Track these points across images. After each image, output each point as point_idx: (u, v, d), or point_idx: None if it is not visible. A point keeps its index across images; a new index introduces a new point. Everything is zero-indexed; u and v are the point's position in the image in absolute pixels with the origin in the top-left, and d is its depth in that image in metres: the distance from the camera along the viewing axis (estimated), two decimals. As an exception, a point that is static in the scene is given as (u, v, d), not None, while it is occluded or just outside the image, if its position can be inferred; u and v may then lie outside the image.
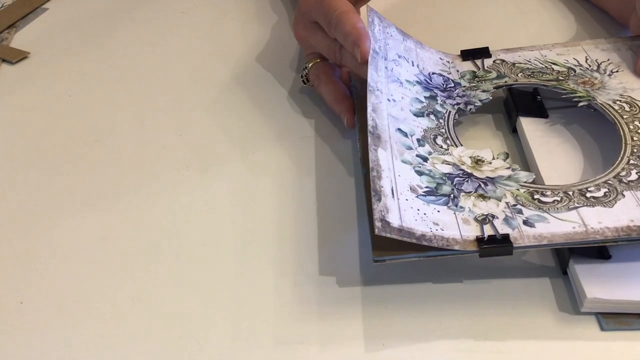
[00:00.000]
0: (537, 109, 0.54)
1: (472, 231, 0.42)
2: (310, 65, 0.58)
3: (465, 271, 0.45)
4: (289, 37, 0.67)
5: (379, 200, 0.42)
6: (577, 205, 0.43)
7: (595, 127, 0.53)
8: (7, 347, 0.42)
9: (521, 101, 0.55)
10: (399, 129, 0.49)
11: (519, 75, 0.55)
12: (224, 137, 0.56)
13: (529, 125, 0.53)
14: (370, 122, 0.48)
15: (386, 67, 0.53)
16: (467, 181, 0.46)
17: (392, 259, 0.42)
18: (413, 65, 0.55)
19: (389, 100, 0.51)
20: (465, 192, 0.45)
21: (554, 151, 0.51)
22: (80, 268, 0.46)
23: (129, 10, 0.73)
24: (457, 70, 0.57)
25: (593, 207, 0.43)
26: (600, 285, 0.41)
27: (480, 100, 0.54)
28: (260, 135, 0.56)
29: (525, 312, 0.42)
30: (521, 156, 0.53)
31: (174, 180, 0.53)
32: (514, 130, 0.55)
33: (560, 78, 0.54)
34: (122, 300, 0.44)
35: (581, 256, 0.43)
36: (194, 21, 0.71)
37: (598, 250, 0.43)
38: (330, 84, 0.56)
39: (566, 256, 0.44)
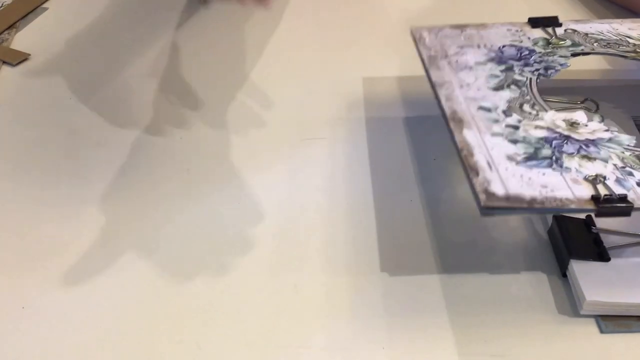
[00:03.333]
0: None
1: (584, 190, 0.41)
2: None
3: (464, 273, 0.45)
4: (290, 37, 0.67)
5: (477, 174, 0.41)
6: None
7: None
8: (9, 351, 0.42)
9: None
10: (481, 107, 0.48)
11: (595, 44, 0.54)
12: (225, 139, 0.56)
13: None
14: (447, 110, 0.47)
15: (449, 63, 0.52)
16: (567, 143, 0.44)
17: (502, 211, 0.40)
18: (479, 47, 0.54)
19: (461, 86, 0.50)
20: (567, 153, 0.44)
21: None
22: (81, 271, 0.46)
23: (128, 9, 0.73)
24: (529, 38, 0.55)
25: None
26: (600, 287, 0.42)
27: (560, 65, 0.52)
28: (263, 137, 0.56)
29: (525, 314, 0.43)
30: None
31: (175, 182, 0.53)
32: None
33: (638, 50, 0.53)
34: (122, 303, 0.44)
35: (581, 259, 0.43)
36: (194, 21, 0.71)
37: (598, 253, 0.44)
38: None
39: (565, 258, 0.44)
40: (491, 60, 0.53)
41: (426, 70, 0.51)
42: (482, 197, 0.40)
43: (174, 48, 0.67)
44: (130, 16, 0.72)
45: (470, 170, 0.42)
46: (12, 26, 0.70)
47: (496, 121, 0.46)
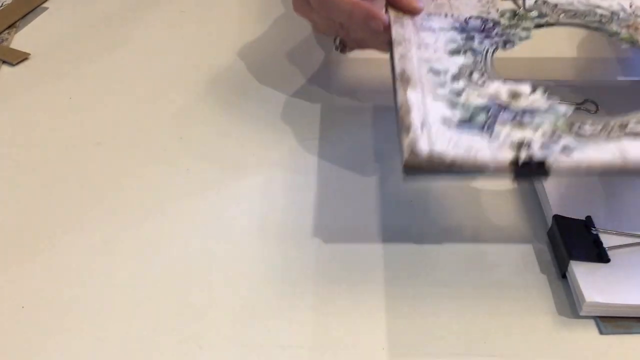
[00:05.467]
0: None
1: (506, 154, 0.41)
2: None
3: (463, 275, 0.45)
4: (291, 36, 0.67)
5: (408, 133, 0.42)
6: (617, 137, 0.43)
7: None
8: (8, 351, 0.42)
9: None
10: (431, 69, 0.48)
11: (561, 16, 0.55)
12: (225, 140, 0.56)
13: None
14: (397, 69, 0.47)
15: (413, 24, 0.52)
16: (504, 112, 0.45)
17: (424, 175, 0.41)
18: (446, 17, 0.55)
19: (419, 47, 0.50)
20: (501, 121, 0.44)
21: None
22: (81, 272, 0.47)
23: (129, 9, 0.73)
24: (497, 9, 0.56)
25: (633, 141, 0.42)
26: (599, 289, 0.42)
27: (520, 39, 0.53)
28: (262, 136, 0.56)
29: (524, 315, 0.43)
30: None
31: (174, 182, 0.53)
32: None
33: (604, 21, 0.54)
34: (123, 304, 0.44)
35: (580, 260, 0.43)
36: (193, 21, 0.71)
37: (597, 254, 0.44)
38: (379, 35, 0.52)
39: (565, 259, 0.44)
40: (454, 29, 0.53)
41: (390, 26, 0.51)
42: (407, 155, 0.40)
43: (174, 48, 0.67)
44: (130, 15, 0.72)
45: (403, 129, 0.42)
46: (12, 26, 0.70)
47: (442, 85, 0.47)
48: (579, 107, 0.54)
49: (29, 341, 0.43)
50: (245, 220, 0.49)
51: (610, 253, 0.44)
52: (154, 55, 0.66)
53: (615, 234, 0.45)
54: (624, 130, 0.43)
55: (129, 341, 0.42)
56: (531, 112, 0.45)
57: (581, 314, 0.42)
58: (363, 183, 0.52)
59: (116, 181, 0.53)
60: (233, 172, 0.53)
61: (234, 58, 0.65)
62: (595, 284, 0.42)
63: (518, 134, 0.42)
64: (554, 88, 0.54)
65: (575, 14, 0.55)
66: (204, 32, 0.69)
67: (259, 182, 0.52)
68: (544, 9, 0.56)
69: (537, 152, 0.41)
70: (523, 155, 0.41)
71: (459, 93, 0.46)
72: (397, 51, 0.49)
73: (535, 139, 0.42)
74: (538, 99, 0.46)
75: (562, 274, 0.44)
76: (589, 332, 0.42)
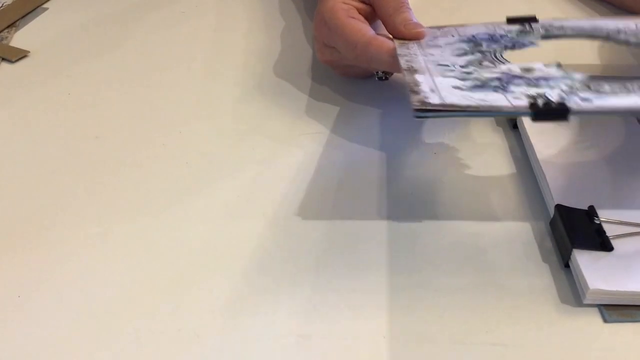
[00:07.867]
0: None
1: (523, 102, 0.41)
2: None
3: (464, 265, 0.45)
4: (289, 34, 0.67)
5: (417, 93, 0.41)
6: (637, 92, 0.42)
7: (597, 122, 0.52)
8: (4, 340, 0.42)
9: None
10: (440, 64, 0.48)
11: (568, 32, 0.55)
12: (224, 134, 0.56)
13: (530, 121, 0.53)
14: (404, 65, 0.46)
15: (419, 46, 0.52)
16: (517, 78, 0.44)
17: (435, 114, 0.40)
18: (453, 36, 0.55)
19: (425, 56, 0.50)
20: (515, 84, 0.43)
21: (557, 147, 0.51)
22: (79, 263, 0.46)
23: (129, 9, 0.73)
24: (504, 30, 0.56)
25: None
26: (603, 276, 0.41)
27: (529, 42, 0.53)
28: (261, 132, 0.56)
29: (527, 304, 0.42)
30: (522, 153, 0.52)
31: (174, 177, 0.52)
32: (514, 127, 0.55)
33: (611, 35, 0.54)
34: (120, 294, 0.44)
35: (583, 248, 0.43)
36: (193, 20, 0.71)
37: (600, 243, 0.43)
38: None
39: (568, 249, 0.43)
40: (462, 41, 0.53)
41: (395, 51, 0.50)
42: (416, 103, 0.40)
43: (173, 47, 0.67)
44: (129, 14, 0.72)
45: (411, 94, 0.41)
46: (12, 25, 0.70)
47: (451, 71, 0.46)
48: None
49: (24, 331, 0.42)
50: (246, 213, 0.49)
51: (613, 242, 0.43)
52: (152, 53, 0.66)
53: (619, 223, 0.44)
54: None
55: (125, 330, 0.42)
56: (546, 78, 0.44)
57: (585, 302, 0.41)
58: (367, 176, 0.52)
59: (115, 175, 0.53)
60: (232, 166, 0.53)
61: (233, 55, 0.65)
62: (599, 272, 0.41)
63: (534, 90, 0.42)
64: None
65: (581, 31, 0.55)
66: (204, 32, 0.69)
67: (259, 176, 0.52)
68: (551, 30, 0.56)
69: (555, 100, 0.41)
70: (541, 102, 0.40)
71: (469, 72, 0.46)
72: (403, 60, 0.48)
73: (553, 93, 0.41)
74: (553, 71, 0.46)
75: (565, 263, 0.44)
76: (593, 321, 0.41)
